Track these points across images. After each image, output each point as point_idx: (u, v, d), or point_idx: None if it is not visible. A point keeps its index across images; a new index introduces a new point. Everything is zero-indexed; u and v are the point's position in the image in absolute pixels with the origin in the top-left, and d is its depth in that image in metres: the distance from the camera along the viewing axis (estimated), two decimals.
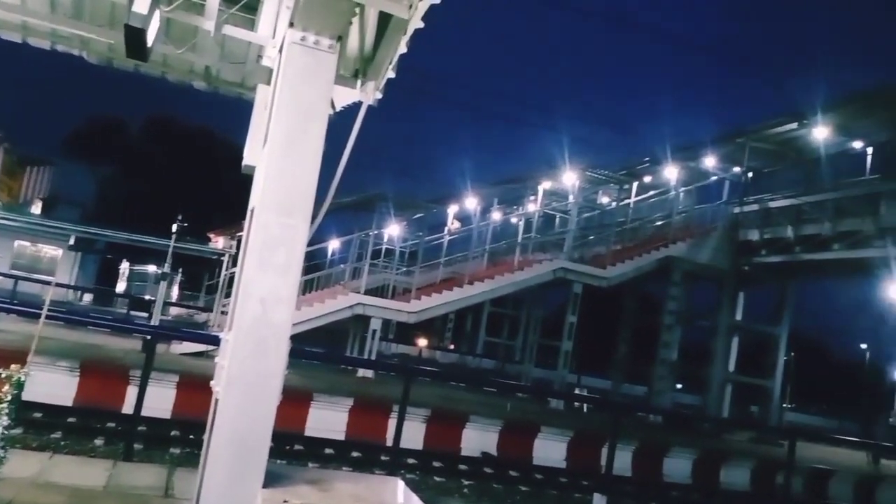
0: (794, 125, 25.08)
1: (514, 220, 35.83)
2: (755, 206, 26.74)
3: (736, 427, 26.85)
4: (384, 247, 30.82)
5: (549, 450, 14.65)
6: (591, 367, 43.35)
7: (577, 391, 29.33)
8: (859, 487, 17.11)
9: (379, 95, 4.77)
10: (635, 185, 30.96)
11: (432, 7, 3.96)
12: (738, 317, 28.40)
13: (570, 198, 30.07)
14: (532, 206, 34.50)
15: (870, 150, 24.70)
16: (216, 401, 4.06)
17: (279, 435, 10.66)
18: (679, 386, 38.31)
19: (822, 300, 50.02)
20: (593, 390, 33.80)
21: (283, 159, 4.08)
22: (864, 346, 51.08)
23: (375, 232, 28.73)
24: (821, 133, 24.41)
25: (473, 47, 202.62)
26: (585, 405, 23.77)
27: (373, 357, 22.01)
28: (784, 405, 35.55)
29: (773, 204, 25.97)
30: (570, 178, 29.18)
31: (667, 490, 14.35)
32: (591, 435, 15.27)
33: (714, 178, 29.57)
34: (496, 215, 36.76)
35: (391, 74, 4.61)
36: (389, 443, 11.68)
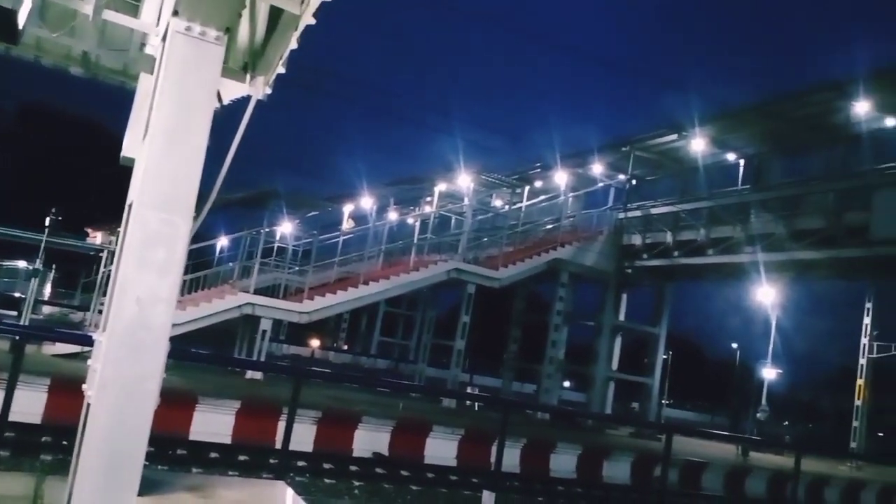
0: (675, 136, 26.55)
1: (410, 220, 35.96)
2: (638, 213, 28.09)
3: (618, 423, 28.10)
4: (276, 245, 30.16)
5: (441, 448, 14.80)
6: (484, 367, 44.16)
7: (469, 390, 29.76)
8: (730, 478, 18.29)
9: (269, 90, 4.66)
10: (527, 189, 31.83)
11: (325, 5, 3.91)
12: (621, 317, 29.74)
13: (466, 200, 30.53)
14: (428, 208, 34.76)
15: (741, 162, 26.45)
16: (88, 405, 3.85)
17: (161, 440, 10.27)
18: (567, 384, 39.67)
19: (697, 302, 53.20)
20: (485, 389, 34.44)
21: (164, 153, 3.91)
22: (734, 345, 54.77)
23: (267, 229, 28.02)
24: (698, 145, 25.94)
25: (375, 48, 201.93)
26: (476, 404, 24.15)
27: (262, 358, 21.45)
28: (662, 401, 37.51)
29: (654, 210, 27.38)
30: (465, 181, 29.64)
31: (553, 485, 14.81)
32: (481, 433, 15.54)
33: (601, 184, 30.81)
34: (392, 215, 36.77)
35: (281, 70, 4.52)
36: (279, 445, 11.42)
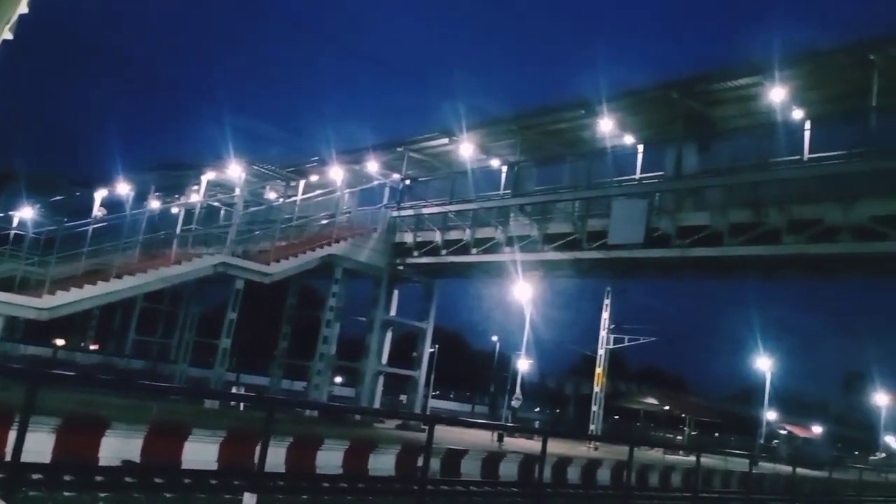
0: (446, 140, 27.78)
1: (174, 209, 33.70)
2: (411, 212, 28.98)
3: (385, 416, 28.75)
4: (13, 232, 26.60)
5: (201, 452, 14.04)
6: (252, 365, 42.72)
7: (234, 390, 28.63)
8: (486, 463, 19.48)
9: None
10: (303, 183, 31.37)
11: None
12: (392, 312, 30.47)
13: (237, 191, 29.31)
14: (195, 197, 32.80)
15: (504, 168, 28.36)
16: None
17: None
18: (339, 380, 39.74)
19: (464, 298, 56.08)
20: (253, 388, 33.33)
21: None
22: (494, 338, 58.57)
23: (1, 214, 24.64)
24: (466, 150, 27.36)
25: (149, 21, 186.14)
26: (242, 404, 23.30)
27: None
28: (429, 393, 39.00)
29: (425, 210, 28.42)
30: (236, 171, 28.42)
31: (319, 481, 14.72)
32: (244, 433, 14.99)
33: (376, 182, 31.28)
34: (154, 203, 34.21)
35: (8, 36, 3.98)
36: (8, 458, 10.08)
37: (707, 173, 21.64)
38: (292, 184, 31.00)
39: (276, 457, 14.32)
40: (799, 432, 62.95)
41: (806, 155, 19.57)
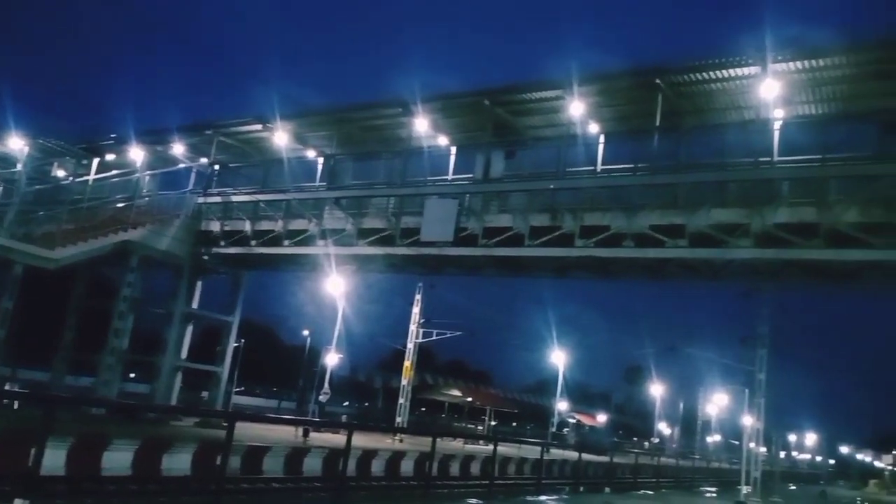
0: (259, 127, 26.91)
1: None
2: (218, 199, 27.70)
3: (182, 413, 27.24)
4: None
5: None
6: (33, 358, 38.62)
7: (9, 386, 25.77)
8: (290, 458, 19.16)
9: None
10: (97, 162, 28.84)
11: None
12: (195, 305, 28.98)
13: (18, 166, 26.33)
14: None
15: (320, 160, 28.00)
16: None
17: None
18: (133, 375, 37.12)
19: (275, 291, 54.76)
20: (30, 384, 30.17)
21: None
22: (306, 332, 57.78)
23: None
24: (280, 138, 26.69)
25: None
26: (16, 402, 21.01)
27: None
28: (233, 389, 37.63)
29: (234, 198, 27.32)
30: (17, 144, 25.51)
31: (105, 484, 13.70)
32: (17, 435, 13.54)
33: (182, 165, 29.57)
34: None
35: None
36: None
37: (512, 178, 22.89)
38: (84, 162, 28.36)
39: (56, 459, 13.13)
40: (586, 421, 68.60)
41: (599, 167, 21.36)
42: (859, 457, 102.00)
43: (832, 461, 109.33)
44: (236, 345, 30.72)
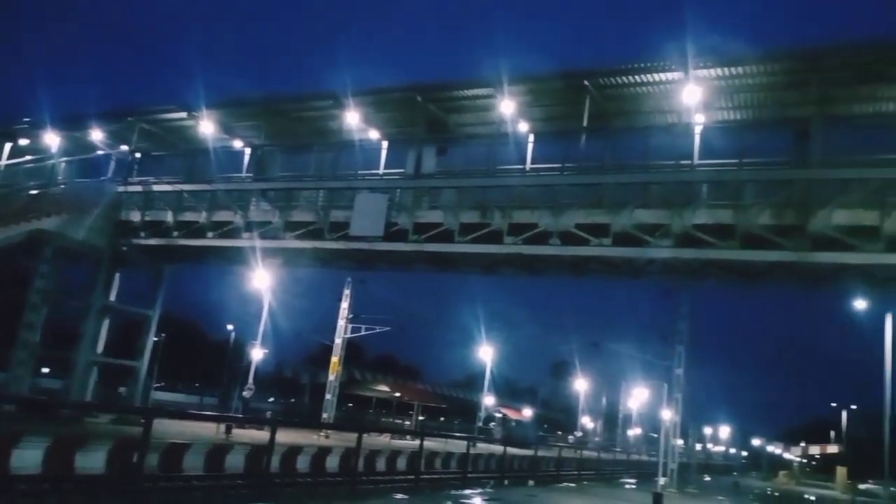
0: (184, 115, 26.13)
1: None
2: (139, 188, 26.75)
3: (98, 409, 26.27)
4: None
5: None
6: None
7: None
8: (211, 455, 18.73)
9: None
10: (8, 146, 27.46)
11: None
12: (113, 298, 27.93)
13: None
14: None
15: (247, 150, 27.39)
16: None
17: None
18: (46, 370, 35.57)
19: (200, 284, 53.40)
20: None
21: None
22: (230, 326, 56.60)
23: None
24: (206, 127, 25.98)
25: None
26: None
27: None
28: (153, 385, 36.50)
29: (156, 188, 26.42)
30: None
31: (15, 483, 13.09)
32: None
33: (101, 152, 28.43)
34: None
35: None
36: None
37: (443, 175, 22.99)
38: None
39: None
40: (512, 415, 69.62)
41: (528, 165, 21.69)
42: (770, 449, 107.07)
43: (745, 453, 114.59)
44: (156, 339, 29.77)
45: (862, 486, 53.42)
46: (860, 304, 23.62)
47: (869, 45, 17.90)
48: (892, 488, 29.63)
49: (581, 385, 70.13)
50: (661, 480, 26.20)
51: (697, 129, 20.14)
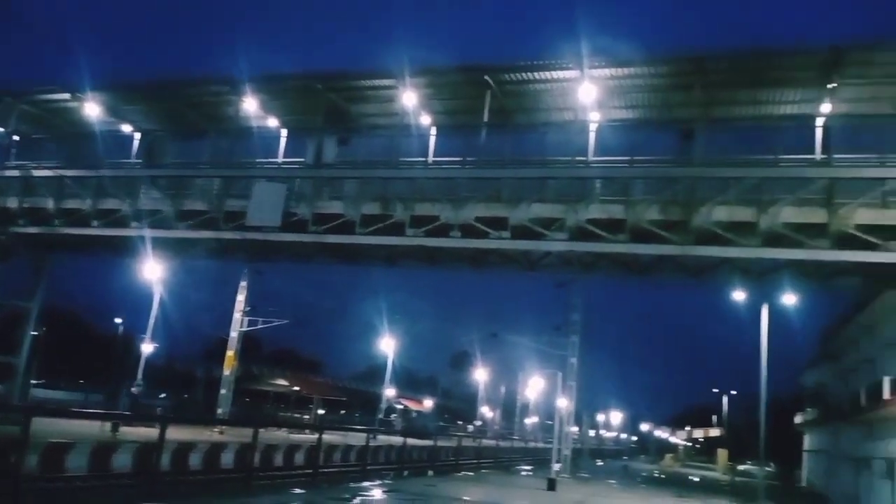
0: (67, 96, 24.65)
1: None
2: (17, 172, 25.06)
3: None
4: None
5: None
6: None
7: None
8: (96, 455, 17.86)
9: None
10: None
11: None
12: None
13: None
14: None
15: (137, 136, 26.14)
16: None
17: None
18: None
19: (86, 275, 50.61)
20: None
21: None
22: (118, 320, 54.00)
23: None
24: (92, 110, 24.60)
25: None
26: None
27: None
28: (32, 382, 34.32)
29: (35, 173, 24.82)
30: None
31: None
32: None
33: None
34: None
35: None
36: None
37: (344, 165, 22.76)
38: None
39: None
40: (413, 406, 70.01)
41: (430, 158, 21.81)
42: (657, 434, 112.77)
43: (634, 438, 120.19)
44: (36, 333, 28.00)
45: (741, 468, 57.28)
46: (739, 296, 25.29)
47: (750, 51, 19.14)
48: (766, 468, 31.88)
49: (480, 375, 71.33)
50: (556, 466, 27.09)
51: (592, 127, 20.87)
